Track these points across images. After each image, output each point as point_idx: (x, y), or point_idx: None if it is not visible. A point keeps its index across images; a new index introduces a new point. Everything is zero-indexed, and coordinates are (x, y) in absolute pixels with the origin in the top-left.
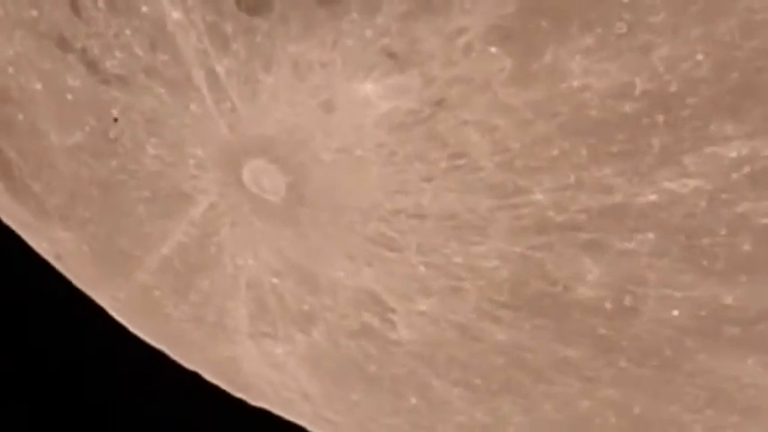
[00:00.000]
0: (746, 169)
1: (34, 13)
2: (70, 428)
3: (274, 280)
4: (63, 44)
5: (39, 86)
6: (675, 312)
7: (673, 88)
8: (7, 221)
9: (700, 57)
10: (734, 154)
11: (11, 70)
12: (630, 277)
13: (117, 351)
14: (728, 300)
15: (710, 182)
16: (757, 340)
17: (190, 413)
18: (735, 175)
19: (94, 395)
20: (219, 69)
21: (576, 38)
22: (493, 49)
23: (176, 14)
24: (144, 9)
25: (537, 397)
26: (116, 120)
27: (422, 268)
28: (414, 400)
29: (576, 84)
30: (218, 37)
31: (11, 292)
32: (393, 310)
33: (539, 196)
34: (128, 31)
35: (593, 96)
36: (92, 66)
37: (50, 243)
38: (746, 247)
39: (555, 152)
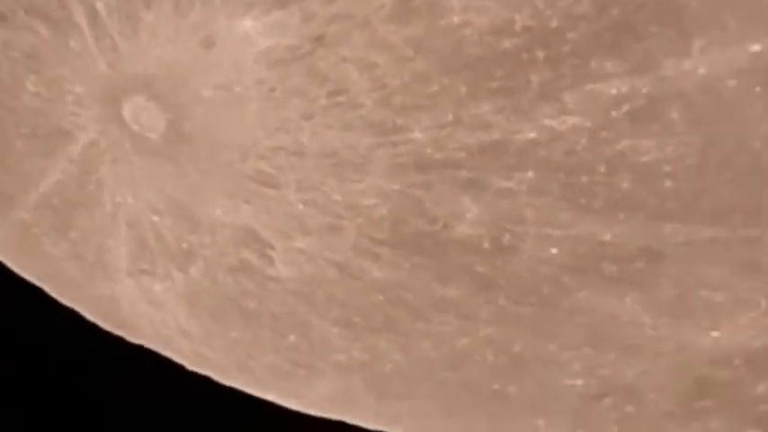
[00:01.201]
0: (626, 107)
1: None
2: (70, 428)
3: (154, 218)
4: None
5: None
6: (554, 251)
7: (553, 24)
8: None
9: None
10: (614, 91)
11: None
12: (509, 216)
13: (117, 351)
14: (607, 237)
15: (590, 119)
16: (635, 278)
17: (190, 413)
18: (614, 113)
19: (94, 395)
20: (100, 6)
21: None
22: None
23: None
24: None
25: (415, 335)
26: None
27: (300, 206)
28: (293, 338)
29: (456, 20)
30: None
31: (9, 293)
32: (272, 247)
33: (417, 134)
34: None
35: (473, 33)
36: None
37: None
38: (625, 185)
39: (434, 89)
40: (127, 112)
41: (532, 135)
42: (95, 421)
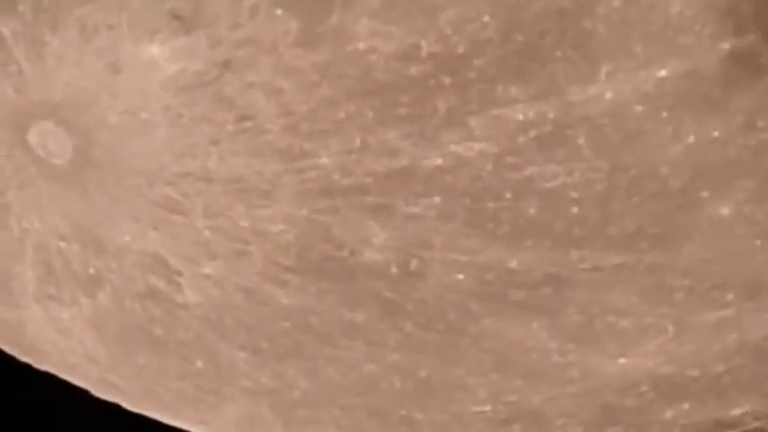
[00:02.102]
0: (533, 132)
1: None
2: (71, 428)
3: (61, 243)
4: None
5: None
6: (461, 276)
7: (459, 50)
8: None
9: (486, 18)
10: (520, 117)
11: None
12: (416, 241)
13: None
14: (513, 264)
15: (497, 145)
16: (542, 304)
17: None
18: (521, 139)
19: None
20: (5, 31)
21: (361, 0)
22: (279, 11)
23: None
24: None
25: (322, 361)
26: None
27: (207, 232)
28: (200, 364)
29: (362, 46)
30: None
31: None
32: (179, 274)
33: (324, 160)
34: None
35: (379, 58)
36: None
37: None
38: (532, 211)
39: (341, 115)
40: (33, 137)
41: (439, 161)
42: (96, 421)
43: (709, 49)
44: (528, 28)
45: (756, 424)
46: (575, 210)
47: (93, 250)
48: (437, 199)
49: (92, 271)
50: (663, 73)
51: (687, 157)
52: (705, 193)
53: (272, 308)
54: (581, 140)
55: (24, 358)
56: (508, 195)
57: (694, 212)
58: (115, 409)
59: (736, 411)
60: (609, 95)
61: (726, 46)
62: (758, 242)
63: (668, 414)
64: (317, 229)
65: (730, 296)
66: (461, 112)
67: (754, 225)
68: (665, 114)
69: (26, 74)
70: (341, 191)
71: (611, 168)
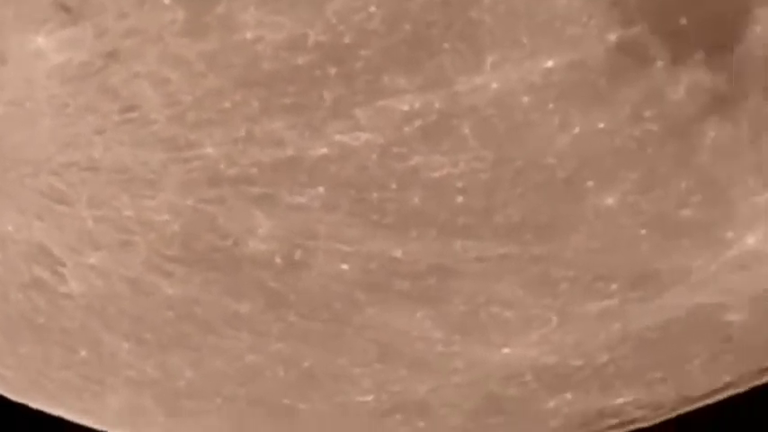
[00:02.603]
0: (418, 123)
1: None
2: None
3: None
4: None
5: None
6: (345, 266)
7: (346, 40)
8: None
9: (372, 8)
10: (406, 107)
11: None
12: (301, 231)
13: None
14: (398, 253)
15: (382, 135)
16: (426, 294)
17: None
18: (407, 129)
19: None
20: None
21: None
22: (166, 1)
23: None
24: None
25: (206, 351)
26: None
27: (92, 222)
28: (84, 354)
29: (249, 35)
30: None
31: None
32: (63, 264)
33: (210, 149)
34: None
35: (266, 48)
36: None
37: None
38: (417, 201)
39: (227, 105)
40: None
41: (324, 151)
42: None
43: (596, 39)
44: (415, 18)
45: (639, 413)
46: (460, 200)
47: None
48: (322, 189)
49: None
50: (549, 64)
51: (573, 148)
52: (590, 184)
53: (157, 298)
54: (466, 131)
55: None
56: (393, 185)
57: (580, 203)
58: None
59: (620, 401)
60: (495, 86)
61: (612, 37)
62: (643, 232)
63: (551, 403)
64: (203, 220)
65: (614, 286)
66: (347, 103)
67: (639, 215)
68: (551, 105)
69: None
70: (226, 181)
71: (497, 159)
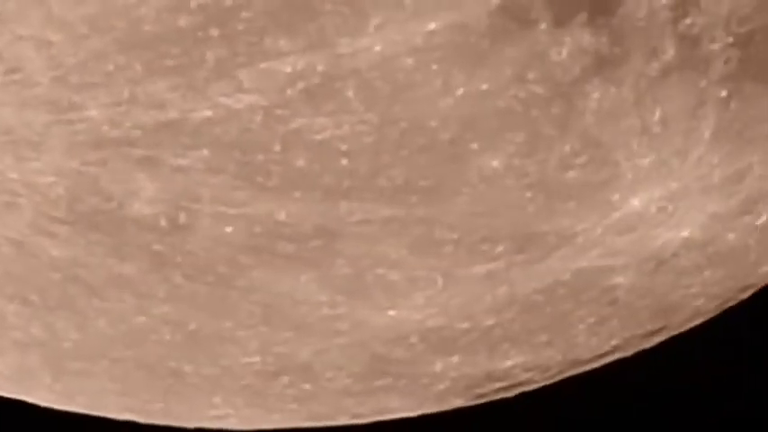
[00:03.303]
0: (301, 85)
1: None
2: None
3: None
4: None
5: None
6: (229, 229)
7: (228, 2)
8: None
9: None
10: (288, 69)
11: None
12: (185, 194)
13: None
14: (282, 216)
15: (265, 97)
16: (311, 257)
17: None
18: (289, 91)
19: None
20: None
21: None
22: None
23: None
24: None
25: (92, 313)
26: None
27: None
28: None
29: None
30: None
31: None
32: None
33: (93, 112)
34: None
35: (149, 11)
36: None
37: None
38: (300, 164)
39: (110, 67)
40: None
41: (208, 113)
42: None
43: (479, 2)
44: None
45: (526, 376)
46: (344, 162)
47: None
48: (205, 151)
49: None
50: (432, 26)
51: (457, 110)
52: (475, 146)
53: (42, 260)
54: (350, 93)
55: None
56: (277, 148)
57: (464, 165)
58: None
59: (507, 364)
60: (378, 48)
61: None
62: (528, 194)
63: (438, 366)
64: (87, 182)
65: (500, 249)
66: (230, 65)
67: (524, 177)
68: (434, 67)
69: None
70: (110, 143)
71: (381, 121)
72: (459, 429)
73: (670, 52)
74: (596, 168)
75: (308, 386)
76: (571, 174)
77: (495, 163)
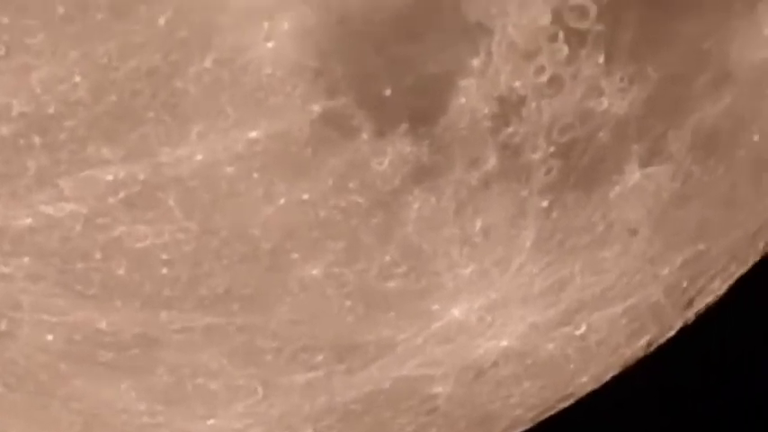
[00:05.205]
0: (122, 193)
1: None
2: None
3: None
4: None
5: None
6: (50, 337)
7: (50, 110)
8: None
9: (77, 79)
10: (110, 177)
11: None
12: (6, 301)
13: None
14: (103, 324)
15: (86, 205)
16: (131, 365)
17: None
18: (111, 199)
19: None
20: None
21: None
22: None
23: None
24: None
25: None
26: None
27: None
28: None
29: None
30: None
31: None
32: None
33: None
34: None
35: None
36: None
37: None
38: (121, 272)
39: None
40: None
41: (29, 221)
42: None
43: (300, 110)
44: (120, 88)
45: None
46: (164, 271)
47: None
48: (26, 259)
49: None
50: (254, 134)
51: (277, 219)
52: (295, 255)
53: None
54: (171, 201)
55: None
56: (98, 256)
57: (285, 274)
58: None
59: None
60: (200, 156)
61: (317, 108)
62: (348, 304)
63: None
64: None
65: (320, 358)
66: (52, 173)
67: (344, 287)
68: (255, 176)
69: None
70: None
71: (202, 230)
72: None
73: (491, 162)
74: (417, 278)
75: None
76: (391, 283)
77: (315, 272)
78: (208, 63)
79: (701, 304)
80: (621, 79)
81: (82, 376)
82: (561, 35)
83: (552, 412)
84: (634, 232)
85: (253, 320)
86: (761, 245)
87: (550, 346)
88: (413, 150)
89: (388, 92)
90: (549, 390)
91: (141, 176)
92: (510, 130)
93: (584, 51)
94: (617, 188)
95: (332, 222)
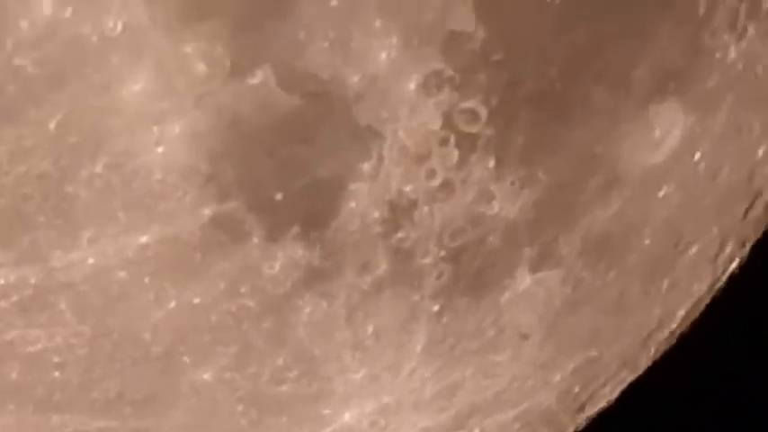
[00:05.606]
0: (15, 297)
1: None
2: None
3: None
4: None
5: None
6: None
7: None
8: None
9: None
10: (2, 281)
11: None
12: None
13: None
14: None
15: None
16: None
17: None
18: (3, 303)
19: None
20: None
21: None
22: None
23: None
24: None
25: None
26: None
27: None
28: None
29: None
30: None
31: None
32: None
33: None
34: None
35: None
36: None
37: None
38: (14, 376)
39: None
40: None
41: None
42: None
43: (191, 214)
44: (10, 192)
45: None
46: (56, 374)
47: None
48: None
49: None
50: (144, 239)
51: (168, 323)
52: (187, 359)
53: None
54: (63, 305)
55: None
56: None
57: (177, 377)
58: None
59: None
60: (91, 261)
61: (207, 212)
62: (240, 408)
63: None
64: None
65: None
66: None
67: (236, 391)
68: (147, 280)
69: None
70: None
71: (94, 333)
72: None
73: (382, 266)
74: (308, 382)
75: None
76: (283, 387)
77: (206, 376)
78: (98, 168)
79: (592, 410)
80: (512, 183)
81: None
82: (452, 139)
83: None
84: (525, 337)
85: (145, 424)
86: (652, 350)
87: None
88: (304, 255)
89: (279, 196)
90: None
91: (33, 280)
92: (401, 234)
93: (474, 156)
94: (507, 293)
95: (223, 326)
